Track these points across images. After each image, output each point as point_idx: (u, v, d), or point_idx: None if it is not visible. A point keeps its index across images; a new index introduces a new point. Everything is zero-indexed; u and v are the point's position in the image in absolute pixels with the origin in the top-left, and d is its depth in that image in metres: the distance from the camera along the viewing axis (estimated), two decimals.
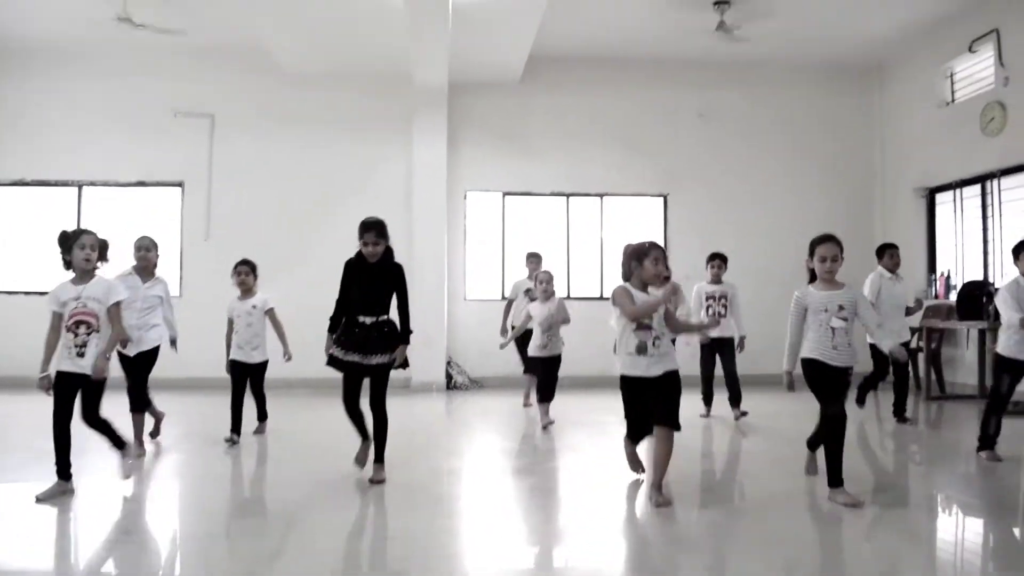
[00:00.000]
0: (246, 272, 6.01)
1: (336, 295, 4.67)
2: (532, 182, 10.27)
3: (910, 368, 8.15)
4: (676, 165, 10.34)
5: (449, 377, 9.72)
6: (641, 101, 10.33)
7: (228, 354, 5.97)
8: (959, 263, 9.15)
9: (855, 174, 10.51)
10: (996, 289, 7.53)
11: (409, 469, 4.94)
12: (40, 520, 3.85)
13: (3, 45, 9.60)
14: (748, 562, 3.33)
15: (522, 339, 8.06)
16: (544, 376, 6.72)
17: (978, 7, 8.43)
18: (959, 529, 4.02)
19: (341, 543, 3.68)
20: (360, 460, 4.66)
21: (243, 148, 9.93)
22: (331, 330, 4.61)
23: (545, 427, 6.49)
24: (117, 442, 4.43)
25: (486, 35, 8.62)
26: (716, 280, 6.96)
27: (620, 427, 6.13)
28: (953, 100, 9.28)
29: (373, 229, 4.52)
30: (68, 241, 4.26)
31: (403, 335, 4.63)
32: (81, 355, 4.18)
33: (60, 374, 4.19)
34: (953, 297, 8.55)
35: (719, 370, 6.89)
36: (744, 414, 6.71)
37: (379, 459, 4.60)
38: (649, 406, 4.10)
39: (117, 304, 4.31)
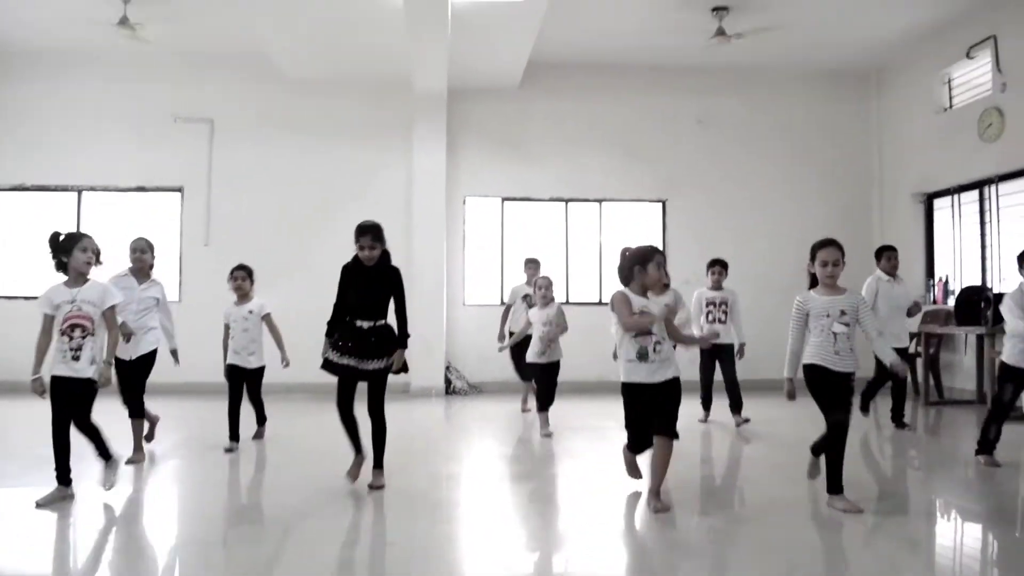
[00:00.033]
0: (242, 277, 5.98)
1: (335, 300, 4.66)
2: (531, 187, 10.29)
3: (908, 374, 8.18)
4: (675, 171, 10.36)
5: (448, 382, 9.72)
6: (640, 107, 10.35)
7: (225, 359, 5.93)
8: (957, 268, 9.17)
9: (853, 180, 10.53)
10: (995, 295, 7.56)
11: (408, 474, 4.94)
12: (40, 525, 3.85)
13: (3, 50, 9.62)
14: (748, 569, 3.33)
15: (517, 347, 8.07)
16: (542, 383, 6.68)
17: (975, 13, 8.47)
18: (958, 535, 4.02)
19: (340, 549, 3.68)
20: (352, 474, 4.57)
21: (243, 153, 9.95)
22: (328, 335, 4.59)
23: (544, 436, 6.45)
24: (103, 452, 4.38)
25: (485, 41, 8.64)
26: (716, 286, 6.94)
27: (619, 433, 6.13)
28: (951, 106, 9.31)
29: (369, 233, 4.50)
30: (67, 243, 4.24)
31: (400, 340, 4.59)
32: (76, 358, 4.16)
33: (55, 379, 4.16)
34: (951, 302, 8.57)
35: (719, 375, 6.89)
36: (746, 421, 6.67)
37: (378, 465, 4.60)
38: (650, 414, 4.06)
39: (112, 308, 4.30)
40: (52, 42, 9.38)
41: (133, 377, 5.37)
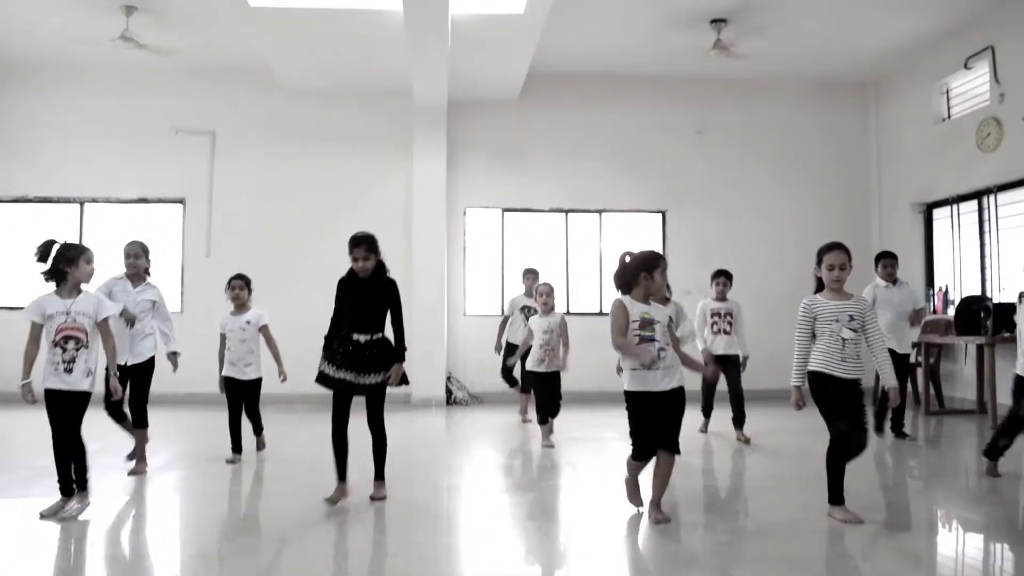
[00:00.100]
0: (240, 287, 5.89)
1: (332, 314, 4.60)
2: (531, 198, 10.32)
3: (908, 384, 8.17)
4: (675, 181, 10.39)
5: (449, 392, 9.73)
6: (639, 118, 10.39)
7: (220, 370, 5.85)
8: (957, 278, 9.19)
9: (853, 190, 10.57)
10: (995, 304, 7.58)
11: (409, 485, 4.94)
12: (41, 536, 3.85)
13: (6, 62, 9.67)
14: None
15: (509, 357, 8.07)
16: (542, 393, 6.63)
17: (973, 24, 8.52)
18: (960, 546, 4.02)
19: (341, 560, 3.69)
20: (333, 500, 4.36)
21: (244, 165, 9.99)
22: (326, 349, 4.52)
23: (545, 447, 6.43)
24: (81, 478, 4.21)
25: (485, 53, 8.69)
26: (721, 297, 6.86)
27: (620, 443, 6.15)
28: (949, 116, 9.35)
29: (363, 244, 4.44)
30: (71, 253, 4.21)
31: (398, 353, 4.51)
32: (68, 371, 4.10)
33: (49, 393, 4.11)
34: (951, 312, 8.58)
35: (722, 384, 6.82)
36: (747, 441, 6.55)
37: (379, 476, 4.60)
38: (655, 423, 3.97)
39: (106, 320, 4.27)
40: (54, 55, 9.44)
41: (133, 385, 5.31)
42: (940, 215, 9.63)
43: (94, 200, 9.91)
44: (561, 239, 10.38)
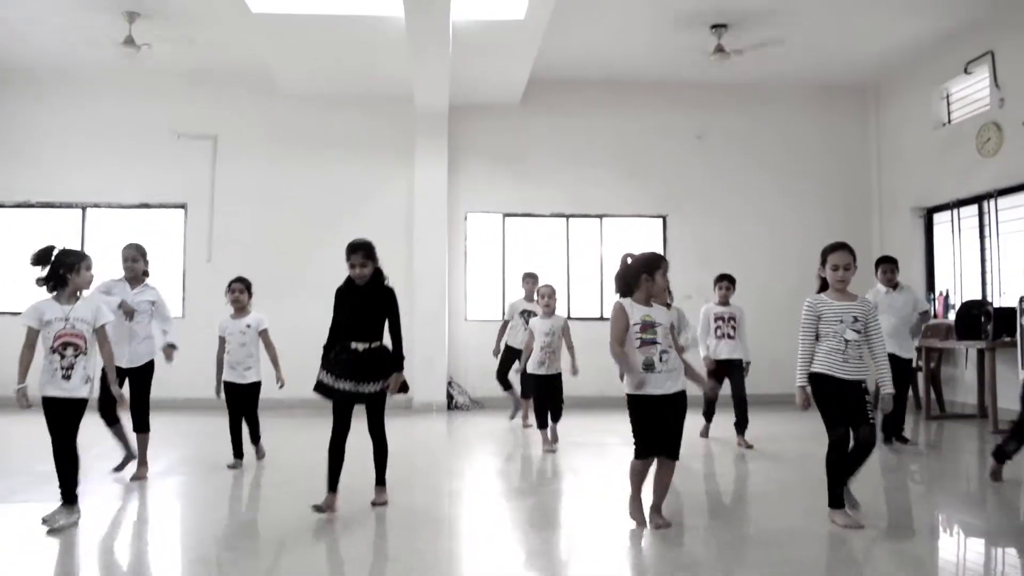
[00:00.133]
0: (240, 290, 5.86)
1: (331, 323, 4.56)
2: (532, 203, 10.34)
3: (910, 389, 8.13)
4: (675, 186, 10.41)
5: (450, 397, 9.73)
6: (640, 123, 10.41)
7: (218, 375, 5.80)
8: (957, 283, 9.19)
9: (853, 195, 10.58)
10: (995, 309, 7.58)
11: (410, 491, 4.94)
12: (44, 542, 3.85)
13: (9, 68, 9.71)
14: None
15: (504, 364, 8.08)
16: (541, 396, 6.61)
17: (972, 29, 8.54)
18: (961, 551, 4.02)
19: (342, 566, 3.69)
20: (320, 508, 4.26)
21: (246, 170, 10.02)
22: (324, 358, 4.48)
23: (547, 451, 6.42)
24: (69, 492, 4.11)
25: (486, 59, 8.72)
26: (724, 302, 6.83)
27: (622, 448, 6.16)
28: (949, 121, 9.37)
29: (360, 250, 4.41)
30: (71, 259, 4.19)
31: (396, 362, 4.45)
32: (67, 377, 4.07)
33: (47, 400, 4.08)
34: (952, 316, 8.58)
35: (725, 389, 6.78)
36: (749, 447, 6.53)
37: (380, 482, 4.60)
38: (657, 427, 3.91)
39: (103, 327, 4.25)
40: (57, 60, 9.47)
41: (133, 389, 5.29)
42: (940, 219, 9.64)
43: (96, 205, 9.94)
44: (562, 244, 10.39)
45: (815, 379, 4.07)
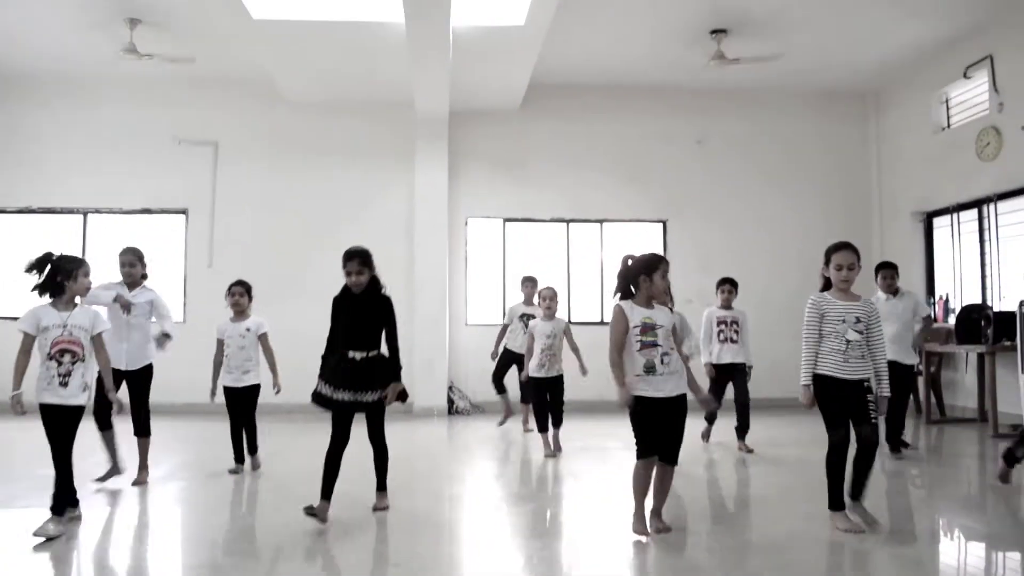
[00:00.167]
0: (240, 293, 5.83)
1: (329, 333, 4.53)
2: (532, 208, 10.36)
3: (911, 395, 8.10)
4: (675, 191, 10.43)
5: (451, 402, 9.74)
6: (640, 128, 10.43)
7: (214, 378, 5.75)
8: (957, 287, 9.20)
9: (853, 199, 10.59)
10: (995, 313, 7.59)
11: (411, 495, 4.95)
12: (45, 547, 3.86)
13: (10, 74, 9.73)
14: None
15: (501, 367, 8.07)
16: (541, 399, 6.59)
17: (972, 34, 8.56)
18: (961, 555, 4.02)
19: (343, 571, 3.69)
20: (313, 511, 4.16)
21: (247, 176, 10.04)
22: (323, 368, 4.44)
23: (547, 456, 6.41)
24: (59, 500, 4.05)
25: (486, 64, 8.74)
26: (727, 305, 6.82)
27: (623, 452, 6.16)
28: (949, 125, 9.38)
29: (356, 258, 4.39)
30: (69, 265, 4.17)
31: (393, 372, 4.41)
32: (64, 384, 4.05)
33: (44, 408, 4.06)
34: (952, 321, 8.58)
35: (728, 392, 6.75)
36: (750, 451, 6.54)
37: (381, 487, 4.60)
38: (658, 430, 3.89)
39: (100, 335, 4.22)
40: (58, 66, 9.50)
41: (132, 393, 5.29)
42: (940, 224, 9.66)
43: (97, 211, 9.96)
44: (562, 249, 10.41)
45: (816, 380, 4.06)
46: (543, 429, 6.59)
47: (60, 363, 4.06)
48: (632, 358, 3.89)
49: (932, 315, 8.39)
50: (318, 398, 4.38)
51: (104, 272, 5.58)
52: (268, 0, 7.45)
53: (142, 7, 7.86)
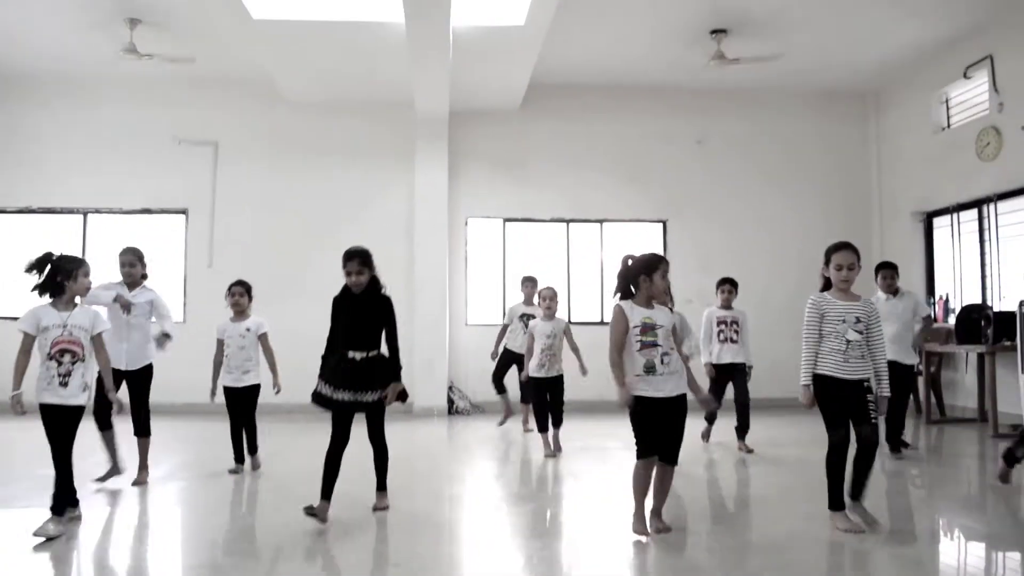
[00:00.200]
0: (240, 293, 5.82)
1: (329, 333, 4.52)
2: (532, 208, 10.36)
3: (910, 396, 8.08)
4: (675, 191, 10.43)
5: (451, 402, 9.74)
6: (640, 128, 10.44)
7: (214, 378, 5.74)
8: (957, 287, 9.20)
9: (853, 199, 10.60)
10: (995, 313, 7.59)
11: (411, 495, 4.95)
12: (45, 547, 3.86)
13: (10, 74, 9.74)
14: None
15: (501, 367, 8.07)
16: (541, 399, 6.58)
17: (972, 34, 8.56)
18: (961, 554, 4.02)
19: (343, 571, 3.69)
20: (313, 510, 4.14)
21: (247, 176, 10.04)
22: (323, 368, 4.44)
23: (547, 456, 6.40)
24: (59, 500, 4.05)
25: (486, 64, 8.75)
26: (727, 305, 6.81)
27: (623, 452, 6.16)
28: (949, 125, 9.39)
29: (356, 258, 4.38)
30: (69, 265, 4.16)
31: (393, 372, 4.40)
32: (64, 384, 4.04)
33: (44, 408, 4.05)
34: (952, 321, 8.59)
35: (729, 392, 6.74)
36: (749, 451, 6.54)
37: (381, 487, 4.60)
38: (658, 430, 3.88)
39: (100, 335, 4.22)
40: (58, 66, 9.50)
41: (132, 393, 5.28)
42: (940, 224, 9.66)
43: (97, 211, 9.96)
44: (562, 249, 10.41)
45: (816, 380, 4.06)
46: (543, 429, 6.60)
47: (60, 363, 4.06)
48: (632, 358, 3.88)
49: (932, 315, 8.39)
50: (318, 398, 4.38)
51: (104, 272, 5.58)
52: (268, 0, 7.45)
53: (142, 7, 7.86)
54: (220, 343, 5.80)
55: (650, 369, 3.85)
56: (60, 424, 4.06)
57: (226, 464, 5.78)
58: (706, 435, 6.98)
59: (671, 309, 4.30)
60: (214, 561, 3.74)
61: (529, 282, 8.16)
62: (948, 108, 9.43)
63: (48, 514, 4.03)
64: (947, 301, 9.23)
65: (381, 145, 10.16)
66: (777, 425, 7.89)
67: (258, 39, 8.25)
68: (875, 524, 4.06)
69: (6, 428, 7.78)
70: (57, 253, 4.22)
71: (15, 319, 9.46)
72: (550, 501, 5.13)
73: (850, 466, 4.09)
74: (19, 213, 9.93)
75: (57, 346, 4.07)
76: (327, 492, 4.25)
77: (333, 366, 4.37)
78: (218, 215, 9.99)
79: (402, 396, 4.45)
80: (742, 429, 6.68)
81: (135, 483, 5.26)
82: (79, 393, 4.11)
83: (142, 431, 5.33)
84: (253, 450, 5.83)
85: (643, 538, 3.92)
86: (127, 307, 5.22)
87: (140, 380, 5.32)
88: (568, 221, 10.42)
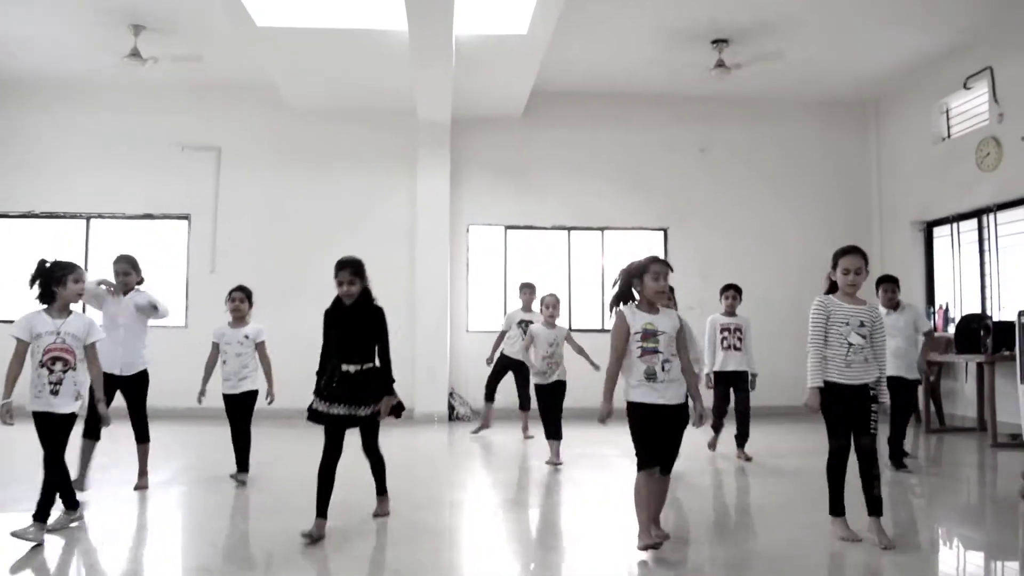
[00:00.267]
0: (240, 299, 5.76)
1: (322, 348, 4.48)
2: (534, 216, 10.39)
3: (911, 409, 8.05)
4: (677, 199, 10.46)
5: (451, 408, 9.76)
6: (642, 136, 10.48)
7: (204, 380, 5.65)
8: (957, 296, 9.22)
9: (854, 208, 10.63)
10: (994, 323, 7.61)
11: (411, 502, 4.95)
12: (44, 550, 3.87)
13: (14, 79, 9.78)
14: None
15: (496, 374, 8.08)
16: (546, 407, 6.56)
17: (972, 45, 8.60)
18: (961, 564, 4.03)
19: None
20: (311, 536, 4.03)
21: (249, 182, 10.08)
22: (317, 384, 4.37)
23: (548, 463, 6.38)
24: (43, 507, 3.96)
25: (489, 72, 8.79)
26: (730, 312, 6.76)
27: (622, 459, 6.17)
28: (949, 135, 9.42)
29: (347, 267, 4.29)
30: (59, 272, 4.10)
31: (386, 385, 4.32)
32: (55, 392, 3.98)
33: (36, 416, 4.00)
34: (951, 330, 8.60)
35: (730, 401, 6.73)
36: (748, 459, 6.53)
37: (382, 491, 4.60)
38: (657, 438, 3.82)
39: (94, 344, 4.16)
40: (62, 71, 9.55)
41: (130, 400, 5.26)
42: (940, 233, 9.68)
43: (100, 215, 10.00)
44: (563, 256, 10.44)
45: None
46: (554, 436, 6.46)
47: (52, 371, 3.99)
48: (633, 364, 3.84)
49: (933, 328, 8.36)
50: (314, 415, 4.31)
51: (106, 275, 5.60)
52: (272, 7, 7.50)
53: (146, 13, 7.91)
54: (215, 347, 5.73)
55: (651, 376, 3.80)
56: (50, 432, 4.01)
57: (228, 469, 5.78)
58: (713, 445, 6.88)
59: (674, 307, 4.21)
60: (213, 567, 3.74)
61: (527, 288, 8.17)
62: (948, 118, 9.47)
63: (51, 516, 4.03)
64: (947, 310, 9.25)
65: (383, 152, 10.20)
66: (777, 433, 7.90)
67: (262, 46, 8.29)
68: (889, 544, 3.91)
69: (6, 430, 7.80)
70: (50, 260, 4.17)
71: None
72: (550, 508, 5.14)
73: (859, 479, 4.03)
74: (22, 218, 9.96)
75: (49, 353, 4.01)
76: (322, 509, 4.14)
77: (327, 381, 4.30)
78: (221, 220, 10.02)
79: (396, 410, 4.36)
80: (741, 437, 6.66)
81: (137, 488, 5.28)
82: (71, 401, 4.06)
83: (141, 437, 5.32)
84: (243, 465, 5.64)
85: (649, 554, 3.84)
86: (111, 287, 5.19)
87: (135, 386, 5.27)
88: (570, 229, 10.45)
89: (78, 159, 9.93)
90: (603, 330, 9.84)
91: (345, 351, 4.27)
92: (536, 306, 7.49)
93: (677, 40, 8.53)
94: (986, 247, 8.73)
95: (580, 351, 6.88)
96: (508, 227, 10.42)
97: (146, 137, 10.00)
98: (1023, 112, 8.02)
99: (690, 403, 3.95)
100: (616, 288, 4.01)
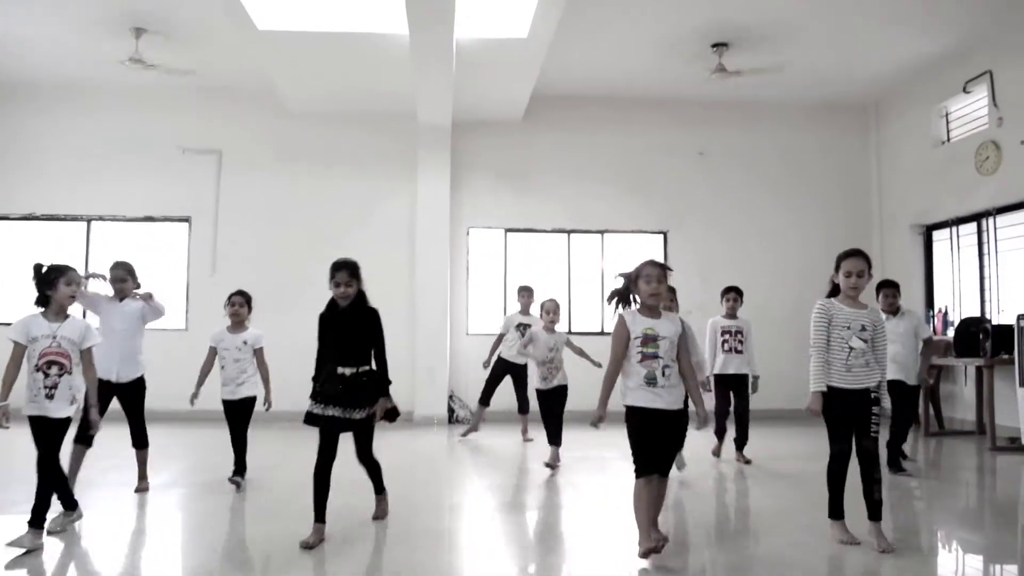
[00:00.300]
0: (240, 303, 5.71)
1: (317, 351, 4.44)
2: (534, 219, 10.40)
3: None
4: (677, 202, 10.48)
5: (451, 411, 9.76)
6: (642, 139, 10.50)
7: (198, 383, 5.62)
8: (956, 300, 9.23)
9: (853, 211, 10.64)
10: (994, 326, 7.61)
11: (410, 504, 4.96)
12: (43, 553, 3.88)
13: (16, 82, 9.80)
14: None
15: (494, 378, 8.08)
16: (547, 412, 6.56)
17: (971, 49, 8.62)
18: (960, 567, 4.03)
19: None
20: (309, 544, 4.00)
21: (250, 185, 10.09)
22: (313, 388, 4.34)
23: (548, 466, 6.38)
24: (38, 513, 3.97)
25: (489, 76, 8.81)
26: (731, 314, 6.74)
27: (621, 462, 6.18)
28: (948, 139, 9.44)
29: (344, 269, 4.28)
30: (50, 275, 4.10)
31: (382, 387, 4.29)
32: (49, 396, 3.98)
33: (31, 420, 4.01)
34: (951, 334, 8.61)
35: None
36: (747, 462, 6.53)
37: (379, 491, 4.60)
38: (656, 443, 3.81)
39: (90, 349, 4.15)
40: (64, 74, 9.58)
41: (127, 407, 5.24)
42: (940, 237, 9.70)
43: (101, 218, 10.01)
44: (563, 259, 10.45)
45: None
46: (556, 440, 6.47)
47: (47, 375, 3.99)
48: (632, 369, 3.82)
49: (933, 334, 8.36)
50: (309, 418, 4.28)
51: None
52: (273, 11, 7.52)
53: (147, 17, 7.93)
54: (212, 351, 5.69)
55: (651, 381, 3.78)
56: (45, 436, 4.00)
57: (228, 472, 5.77)
58: (717, 451, 6.82)
59: (676, 309, 4.18)
60: (213, 569, 3.75)
61: (526, 291, 8.19)
62: (948, 122, 9.49)
63: (51, 520, 4.05)
64: (946, 314, 9.25)
65: (384, 155, 10.22)
66: (776, 436, 7.90)
67: (263, 49, 8.31)
68: (888, 548, 3.92)
69: (5, 432, 7.80)
70: (46, 264, 4.16)
71: None
72: (550, 511, 5.15)
73: (859, 483, 4.03)
74: (23, 220, 9.98)
75: (45, 357, 4.00)
76: (320, 513, 4.12)
77: (323, 384, 4.27)
78: (221, 224, 10.03)
79: (391, 414, 4.33)
80: (741, 440, 6.65)
81: (137, 491, 5.30)
82: (66, 406, 4.05)
83: (139, 444, 5.31)
84: (239, 469, 5.60)
85: (649, 561, 3.81)
86: (101, 276, 5.19)
87: (132, 393, 5.24)
88: (569, 232, 10.47)
89: (79, 161, 9.95)
90: (603, 333, 9.85)
91: (341, 354, 4.25)
92: (535, 310, 7.50)
93: (677, 44, 8.55)
94: (985, 251, 8.74)
95: (580, 353, 6.92)
96: (508, 230, 10.43)
97: (147, 140, 10.02)
98: (1022, 116, 8.04)
99: (691, 407, 3.95)
100: (619, 293, 3.99)
